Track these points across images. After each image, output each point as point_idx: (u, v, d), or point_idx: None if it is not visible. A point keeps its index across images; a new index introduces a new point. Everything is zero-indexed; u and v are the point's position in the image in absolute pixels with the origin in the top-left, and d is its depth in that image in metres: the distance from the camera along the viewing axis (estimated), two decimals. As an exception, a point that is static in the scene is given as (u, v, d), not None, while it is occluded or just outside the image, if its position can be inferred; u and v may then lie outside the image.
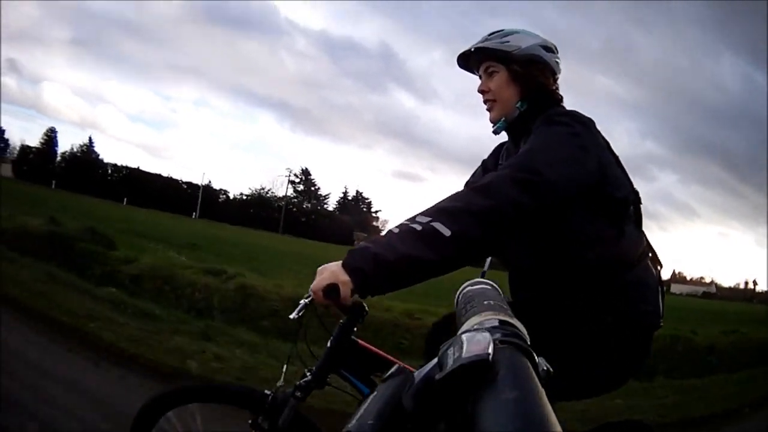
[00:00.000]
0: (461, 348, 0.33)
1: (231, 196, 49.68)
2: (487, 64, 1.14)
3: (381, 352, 1.14)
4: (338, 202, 55.74)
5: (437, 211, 0.86)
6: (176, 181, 49.25)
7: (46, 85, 73.93)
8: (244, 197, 49.71)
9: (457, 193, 0.91)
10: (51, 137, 47.65)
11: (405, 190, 78.29)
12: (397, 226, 0.88)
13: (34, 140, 49.57)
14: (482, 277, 1.01)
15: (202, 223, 30.15)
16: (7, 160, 45.31)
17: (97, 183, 43.05)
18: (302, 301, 1.00)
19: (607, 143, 1.08)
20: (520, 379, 0.30)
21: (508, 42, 1.11)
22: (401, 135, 77.10)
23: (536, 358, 0.35)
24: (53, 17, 68.33)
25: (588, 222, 1.03)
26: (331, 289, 0.85)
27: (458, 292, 0.50)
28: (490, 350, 0.32)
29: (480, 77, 1.16)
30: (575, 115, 1.05)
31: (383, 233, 0.90)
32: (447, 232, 0.83)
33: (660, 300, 1.11)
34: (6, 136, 47.78)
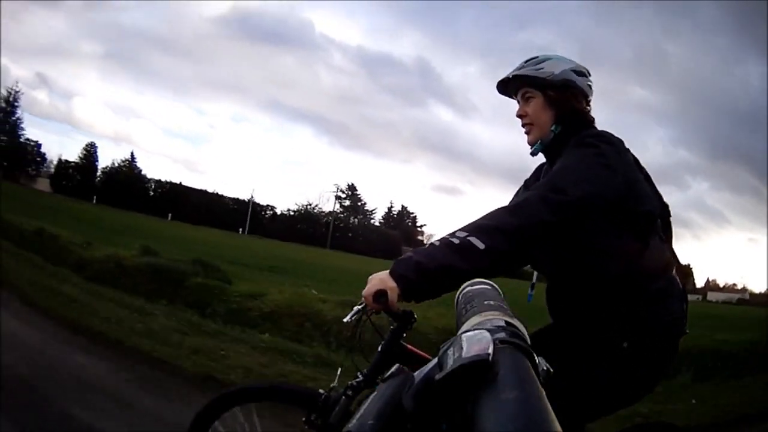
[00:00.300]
0: (461, 348, 0.33)
1: (278, 212, 49.56)
2: (524, 90, 1.21)
3: (427, 356, 1.21)
4: (383, 217, 55.65)
5: (474, 228, 0.97)
6: (221, 196, 48.65)
7: (78, 100, 72.22)
8: (291, 213, 49.95)
9: (493, 212, 1.02)
10: (90, 152, 46.69)
11: (445, 203, 77.99)
12: (438, 240, 0.98)
13: (69, 154, 49.17)
14: (531, 289, 1.26)
15: (254, 240, 29.49)
16: (44, 174, 44.91)
17: (139, 198, 42.59)
18: (355, 307, 1.13)
19: (636, 160, 1.15)
20: (520, 379, 0.30)
21: (542, 69, 1.18)
22: (440, 149, 76.09)
23: (536, 358, 0.35)
24: (82, 32, 66.13)
25: (613, 235, 1.09)
26: (380, 295, 0.95)
27: (458, 293, 0.50)
28: (490, 350, 0.32)
29: (518, 102, 1.24)
30: (603, 136, 1.12)
31: (426, 245, 1.01)
32: (481, 246, 0.94)
33: (684, 308, 1.16)
34: (42, 150, 47.01)
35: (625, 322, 1.10)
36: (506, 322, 0.37)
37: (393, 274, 0.95)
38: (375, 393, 0.41)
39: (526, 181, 1.40)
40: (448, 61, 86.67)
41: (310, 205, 50.80)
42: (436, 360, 0.36)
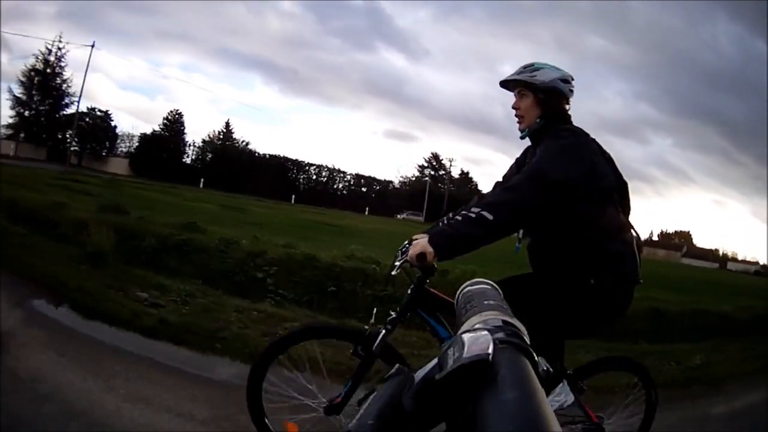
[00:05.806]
0: (461, 348, 0.33)
1: (391, 186, 43.56)
2: (519, 88, 1.58)
3: (446, 297, 1.56)
4: (457, 182, 52.22)
5: (484, 204, 1.34)
6: (341, 171, 40.62)
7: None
8: (400, 187, 45.18)
9: (496, 191, 1.44)
10: (175, 122, 35.67)
11: (398, 149, 76.85)
12: (459, 215, 1.38)
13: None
14: (518, 242, 1.62)
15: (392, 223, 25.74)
16: (119, 154, 34.95)
17: (240, 177, 33.28)
18: (397, 263, 1.46)
19: (599, 147, 1.51)
20: (520, 380, 0.30)
21: (535, 76, 1.53)
22: (391, 95, 73.79)
23: (536, 357, 0.35)
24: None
25: (579, 205, 1.42)
26: (421, 256, 1.33)
27: (458, 292, 0.50)
28: (491, 350, 0.32)
29: (515, 96, 1.60)
30: (574, 131, 1.48)
31: (453, 219, 1.41)
32: (490, 217, 1.30)
33: (636, 266, 1.50)
34: (113, 122, 34.52)
35: (591, 268, 1.45)
36: (506, 322, 0.37)
37: (431, 242, 1.33)
38: (375, 393, 0.41)
39: (517, 159, 1.75)
40: (399, 4, 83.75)
41: (419, 177, 48.11)
42: (436, 360, 0.36)
